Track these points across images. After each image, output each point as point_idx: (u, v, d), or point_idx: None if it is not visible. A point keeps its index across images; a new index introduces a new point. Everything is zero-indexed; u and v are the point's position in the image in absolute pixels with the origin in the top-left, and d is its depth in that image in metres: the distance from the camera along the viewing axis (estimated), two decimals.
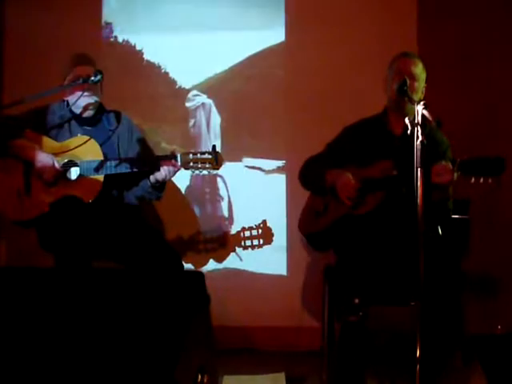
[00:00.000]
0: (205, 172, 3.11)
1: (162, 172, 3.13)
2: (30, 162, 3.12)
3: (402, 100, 3.10)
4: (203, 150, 3.14)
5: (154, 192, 3.27)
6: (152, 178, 3.19)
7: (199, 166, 3.08)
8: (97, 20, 4.29)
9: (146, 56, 4.30)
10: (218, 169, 3.12)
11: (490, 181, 2.80)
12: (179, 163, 3.10)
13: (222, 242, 4.19)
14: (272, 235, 4.02)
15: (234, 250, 4.16)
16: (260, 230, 4.01)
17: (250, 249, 4.04)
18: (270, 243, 4.03)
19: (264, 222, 4.01)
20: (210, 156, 3.08)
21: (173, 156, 3.11)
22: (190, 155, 3.09)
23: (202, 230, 4.22)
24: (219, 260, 4.20)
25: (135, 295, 2.92)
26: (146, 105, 4.28)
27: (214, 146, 3.10)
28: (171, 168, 3.12)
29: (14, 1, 4.31)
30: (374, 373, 3.27)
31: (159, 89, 4.31)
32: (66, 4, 4.26)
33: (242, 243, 4.05)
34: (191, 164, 3.09)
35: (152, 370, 2.85)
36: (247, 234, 4.04)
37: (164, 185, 3.27)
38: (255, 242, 4.02)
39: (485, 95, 4.10)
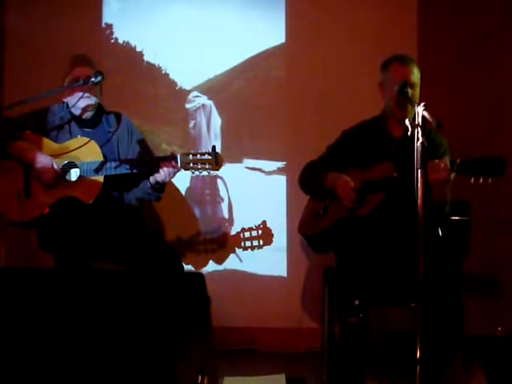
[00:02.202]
0: (205, 173, 3.10)
1: (162, 173, 3.12)
2: (29, 164, 3.13)
3: (401, 103, 3.11)
4: (203, 151, 3.13)
5: (154, 193, 3.27)
6: (152, 179, 3.18)
7: (199, 166, 3.07)
8: (97, 21, 4.29)
9: (147, 57, 4.29)
10: (217, 169, 3.11)
11: (489, 181, 2.80)
12: (179, 164, 3.09)
13: (222, 243, 4.19)
14: (272, 236, 4.02)
15: (234, 251, 4.16)
16: (260, 231, 4.00)
17: (249, 250, 4.03)
18: (269, 244, 4.02)
19: (264, 222, 4.01)
20: (209, 157, 3.07)
21: (172, 157, 3.11)
22: (190, 156, 3.09)
23: (202, 231, 4.22)
24: (219, 261, 4.19)
25: (136, 297, 2.92)
26: (147, 106, 4.28)
27: (213, 147, 3.09)
28: (171, 169, 3.11)
29: (15, 2, 4.31)
30: (374, 374, 3.27)
31: (159, 90, 4.31)
32: (66, 5, 4.25)
33: (242, 244, 4.04)
34: (191, 165, 3.08)
35: (152, 370, 2.85)
36: (247, 234, 4.03)
37: (164, 186, 3.26)
38: (255, 243, 4.01)
39: (485, 96, 4.10)
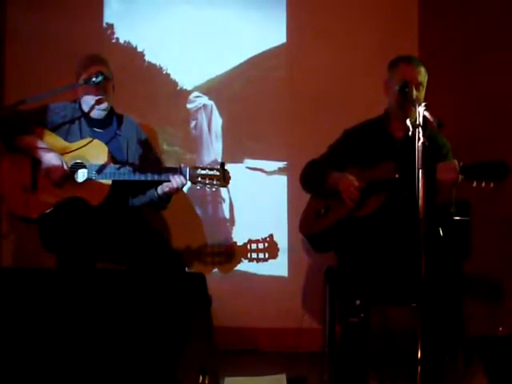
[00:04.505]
0: (213, 188, 3.14)
1: (170, 186, 3.15)
2: (38, 159, 3.13)
3: (403, 103, 3.11)
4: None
5: (160, 202, 3.29)
6: (159, 189, 3.21)
7: (207, 181, 3.11)
8: (98, 21, 4.29)
9: (148, 57, 4.30)
10: (225, 186, 3.16)
11: (492, 185, 2.81)
12: (187, 178, 3.12)
13: (229, 255, 4.18)
14: (278, 250, 4.03)
15: (240, 262, 4.15)
16: (266, 244, 4.01)
17: (255, 261, 4.05)
18: (274, 258, 4.03)
19: (271, 236, 4.01)
20: (217, 173, 3.11)
21: (181, 170, 3.13)
22: (199, 170, 3.12)
23: (210, 243, 4.21)
24: (225, 271, 4.19)
25: (137, 297, 2.93)
26: (147, 106, 4.28)
27: (222, 164, 3.13)
28: (179, 183, 3.13)
29: (16, 1, 4.31)
30: (376, 374, 3.27)
31: (160, 90, 4.32)
32: (67, 5, 4.26)
33: (248, 255, 4.05)
34: (199, 179, 3.11)
35: (154, 370, 2.86)
36: (253, 246, 4.03)
37: (171, 197, 3.28)
38: (261, 256, 4.02)
39: (487, 97, 4.09)
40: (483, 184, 2.82)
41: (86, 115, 3.30)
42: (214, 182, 3.10)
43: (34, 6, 4.27)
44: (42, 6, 4.27)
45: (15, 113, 3.20)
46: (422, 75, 3.20)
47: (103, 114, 3.32)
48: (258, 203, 4.18)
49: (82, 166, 3.16)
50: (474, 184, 2.83)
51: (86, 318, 2.84)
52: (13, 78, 4.27)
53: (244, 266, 4.18)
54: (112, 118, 3.37)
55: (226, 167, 3.13)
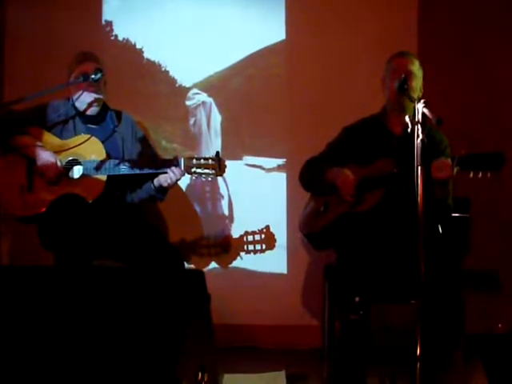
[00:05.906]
0: (208, 178, 3.11)
1: (166, 178, 3.14)
2: (33, 159, 3.13)
3: (401, 99, 3.11)
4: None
5: (157, 194, 3.28)
6: (156, 182, 3.20)
7: (202, 171, 3.09)
8: (97, 19, 4.28)
9: (146, 54, 4.29)
10: (221, 175, 3.14)
11: (488, 175, 2.80)
12: (182, 168, 3.10)
13: (226, 246, 4.18)
14: (275, 241, 4.01)
15: (238, 255, 4.15)
16: (263, 235, 4.00)
17: (252, 253, 4.04)
18: (272, 249, 4.02)
19: (267, 227, 4.00)
20: (213, 162, 3.09)
21: (176, 161, 3.11)
22: (194, 160, 3.10)
23: (206, 234, 4.21)
24: (223, 264, 4.19)
25: (136, 294, 2.92)
26: (146, 103, 4.27)
27: (217, 153, 3.11)
28: (177, 173, 3.12)
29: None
30: (375, 371, 3.27)
31: (159, 87, 4.31)
32: (66, 3, 4.25)
33: (245, 247, 4.04)
34: (194, 169, 3.09)
35: (153, 368, 2.85)
36: (250, 238, 4.03)
37: (168, 189, 3.28)
38: (258, 247, 4.01)
39: (485, 93, 4.09)
40: (480, 174, 2.81)
41: (82, 114, 3.29)
42: (210, 172, 3.09)
43: (33, 3, 4.27)
44: (40, 3, 4.26)
45: (10, 113, 3.20)
46: (415, 66, 3.21)
47: (96, 110, 3.31)
48: (257, 200, 4.18)
49: (76, 162, 3.16)
50: (471, 175, 2.82)
51: (84, 316, 2.84)
52: (12, 75, 4.26)
53: (243, 262, 4.17)
54: (105, 114, 3.36)
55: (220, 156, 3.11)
